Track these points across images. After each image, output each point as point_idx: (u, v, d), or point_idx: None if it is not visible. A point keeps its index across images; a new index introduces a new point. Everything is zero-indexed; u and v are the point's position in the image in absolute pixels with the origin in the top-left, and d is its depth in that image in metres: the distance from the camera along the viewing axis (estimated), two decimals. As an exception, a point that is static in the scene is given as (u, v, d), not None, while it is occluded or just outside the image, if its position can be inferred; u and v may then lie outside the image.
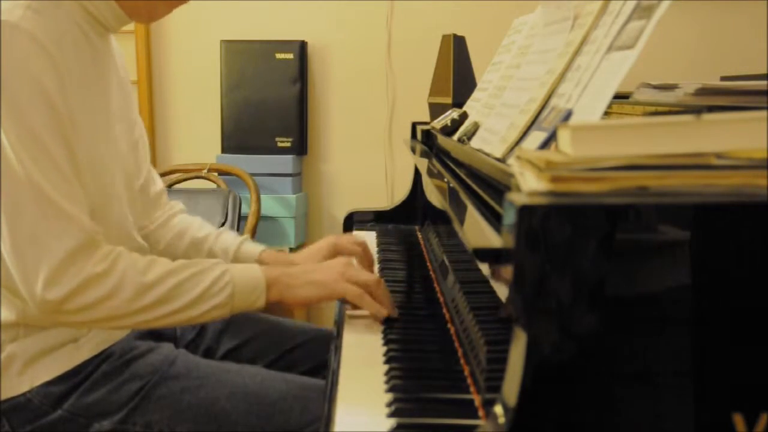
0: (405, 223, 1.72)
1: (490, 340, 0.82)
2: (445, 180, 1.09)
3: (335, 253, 1.27)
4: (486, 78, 1.40)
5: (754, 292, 0.57)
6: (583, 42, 0.89)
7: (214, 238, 1.33)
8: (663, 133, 0.60)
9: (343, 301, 1.13)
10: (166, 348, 1.16)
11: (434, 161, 1.31)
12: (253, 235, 2.35)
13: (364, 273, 1.11)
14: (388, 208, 1.77)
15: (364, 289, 1.08)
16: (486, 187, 0.88)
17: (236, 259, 1.30)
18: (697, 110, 0.67)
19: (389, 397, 0.84)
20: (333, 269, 1.10)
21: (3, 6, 0.95)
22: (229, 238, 1.34)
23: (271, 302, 1.07)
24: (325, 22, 2.59)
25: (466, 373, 0.90)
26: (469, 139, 1.15)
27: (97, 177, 1.07)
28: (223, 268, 1.05)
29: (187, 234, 1.34)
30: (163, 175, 2.37)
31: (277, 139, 2.53)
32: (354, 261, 1.24)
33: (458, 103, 1.54)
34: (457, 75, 1.75)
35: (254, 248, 1.32)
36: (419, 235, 1.63)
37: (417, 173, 1.74)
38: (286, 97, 2.51)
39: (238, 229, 2.29)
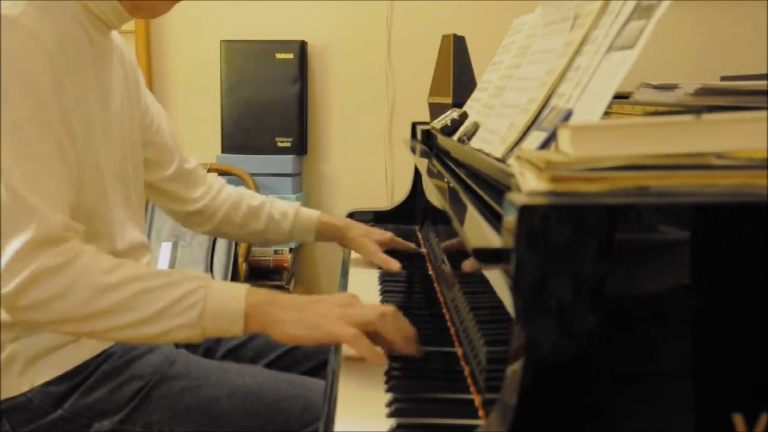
0: (405, 223, 1.72)
1: (490, 340, 0.82)
2: (445, 180, 1.09)
3: (389, 244, 1.44)
4: (486, 78, 1.40)
5: (754, 291, 0.57)
6: (583, 42, 0.89)
7: (270, 204, 1.43)
8: (663, 133, 0.60)
9: None
10: (167, 348, 1.16)
11: (434, 161, 1.31)
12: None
13: (367, 310, 0.94)
14: (388, 208, 1.77)
15: (367, 328, 0.92)
16: (486, 187, 0.88)
17: (296, 222, 1.43)
18: (697, 110, 0.67)
19: (389, 397, 0.84)
20: (333, 306, 0.94)
21: (4, 2, 0.95)
22: (285, 203, 1.45)
23: (251, 332, 0.97)
24: (325, 22, 2.59)
25: (466, 373, 0.90)
26: (469, 139, 1.15)
27: (94, 175, 1.06)
28: (199, 284, 0.95)
29: (243, 203, 1.43)
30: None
31: (277, 139, 2.53)
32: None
33: (458, 103, 1.54)
34: (457, 75, 1.75)
35: (312, 212, 1.45)
36: (419, 235, 1.63)
37: (417, 173, 1.74)
38: (286, 97, 2.51)
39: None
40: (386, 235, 1.46)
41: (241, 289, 0.96)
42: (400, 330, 0.94)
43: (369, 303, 0.98)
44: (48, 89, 0.96)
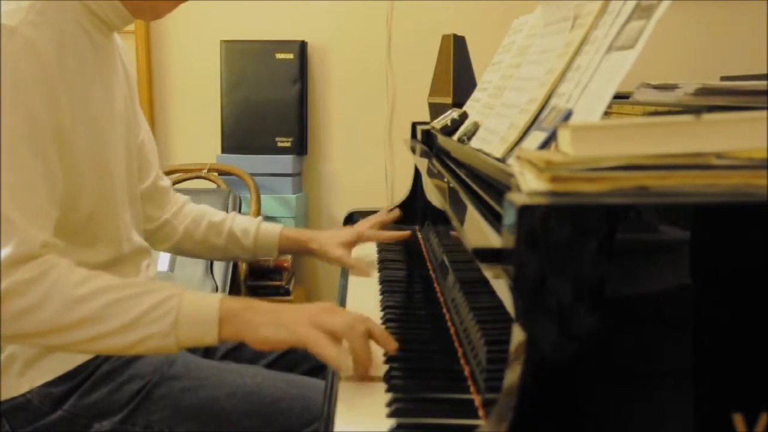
0: (405, 223, 1.72)
1: (490, 340, 0.82)
2: (445, 180, 1.09)
3: (357, 241, 1.41)
4: (486, 78, 1.40)
5: (754, 291, 0.57)
6: (583, 42, 0.89)
7: (231, 220, 1.40)
8: (663, 133, 0.60)
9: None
10: (167, 348, 1.16)
11: (434, 161, 1.31)
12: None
13: (337, 318, 0.92)
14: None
15: (333, 335, 0.90)
16: (486, 187, 0.88)
17: (257, 238, 1.39)
18: (697, 110, 0.67)
19: (389, 397, 0.84)
20: (304, 312, 0.93)
21: (4, 7, 0.94)
22: (246, 219, 1.41)
23: (225, 339, 0.95)
24: (325, 22, 2.59)
25: (466, 373, 0.90)
26: (469, 139, 1.15)
27: (98, 179, 1.06)
28: (171, 293, 0.93)
29: (204, 219, 1.40)
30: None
31: (277, 139, 2.53)
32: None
33: (458, 103, 1.54)
34: (457, 75, 1.75)
35: (274, 227, 1.40)
36: (419, 235, 1.63)
37: (417, 173, 1.74)
38: (286, 97, 2.51)
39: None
40: (352, 232, 1.42)
41: (215, 296, 0.95)
42: (362, 349, 0.90)
43: (350, 312, 0.96)
44: (41, 103, 0.94)
